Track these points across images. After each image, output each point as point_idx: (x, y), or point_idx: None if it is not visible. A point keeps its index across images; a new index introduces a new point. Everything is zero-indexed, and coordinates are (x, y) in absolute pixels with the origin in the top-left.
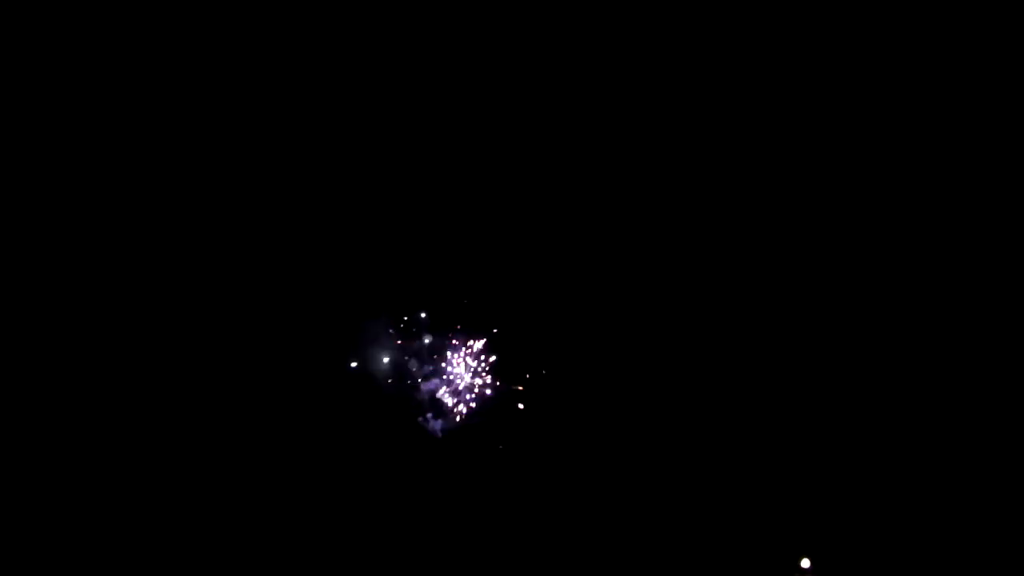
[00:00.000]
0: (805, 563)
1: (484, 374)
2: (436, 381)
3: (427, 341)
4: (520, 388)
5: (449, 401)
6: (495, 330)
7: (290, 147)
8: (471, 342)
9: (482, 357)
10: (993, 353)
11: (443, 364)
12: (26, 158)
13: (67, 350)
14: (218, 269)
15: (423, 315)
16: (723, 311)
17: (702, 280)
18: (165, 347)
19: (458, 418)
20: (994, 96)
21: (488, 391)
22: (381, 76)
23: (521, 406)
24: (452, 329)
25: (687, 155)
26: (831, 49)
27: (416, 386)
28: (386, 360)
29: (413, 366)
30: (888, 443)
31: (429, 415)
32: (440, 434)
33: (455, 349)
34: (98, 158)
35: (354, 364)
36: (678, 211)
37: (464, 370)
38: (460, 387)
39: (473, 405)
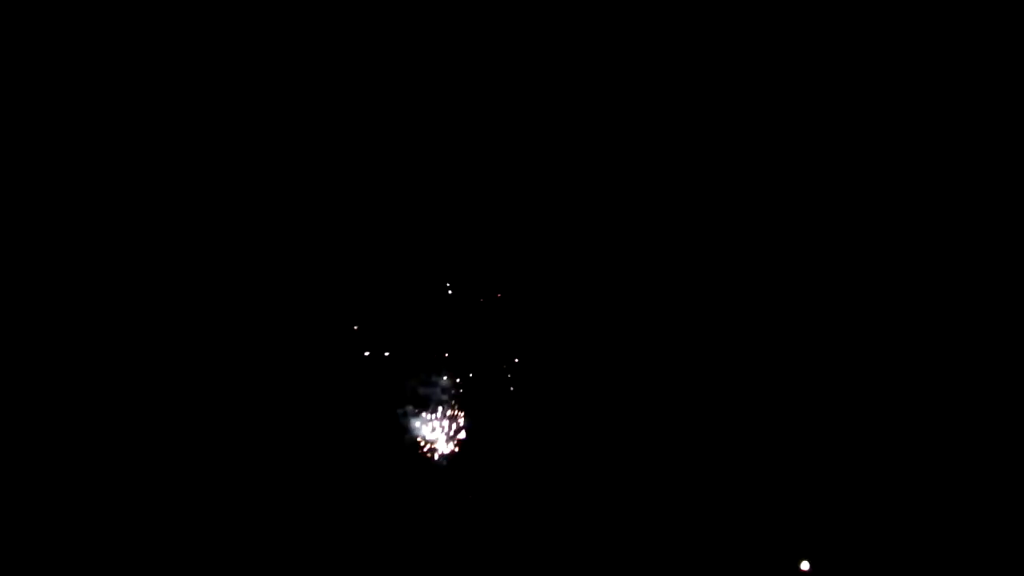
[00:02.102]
0: (805, 566)
1: (476, 374)
2: (427, 381)
3: (419, 344)
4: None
5: (440, 403)
6: (488, 330)
7: (285, 150)
8: (464, 342)
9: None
10: (993, 353)
11: (434, 366)
12: (26, 158)
13: (67, 349)
14: (213, 268)
15: (414, 317)
16: (721, 311)
17: (700, 280)
18: (161, 344)
19: (449, 419)
20: (994, 96)
21: (481, 392)
22: (378, 78)
23: (512, 405)
24: (444, 330)
25: (686, 155)
26: (831, 49)
27: (406, 389)
28: (377, 362)
29: (404, 369)
30: (888, 444)
31: (418, 415)
32: (430, 435)
33: (446, 350)
34: (98, 158)
35: (345, 364)
36: (675, 211)
37: (455, 370)
38: (450, 386)
39: (465, 406)
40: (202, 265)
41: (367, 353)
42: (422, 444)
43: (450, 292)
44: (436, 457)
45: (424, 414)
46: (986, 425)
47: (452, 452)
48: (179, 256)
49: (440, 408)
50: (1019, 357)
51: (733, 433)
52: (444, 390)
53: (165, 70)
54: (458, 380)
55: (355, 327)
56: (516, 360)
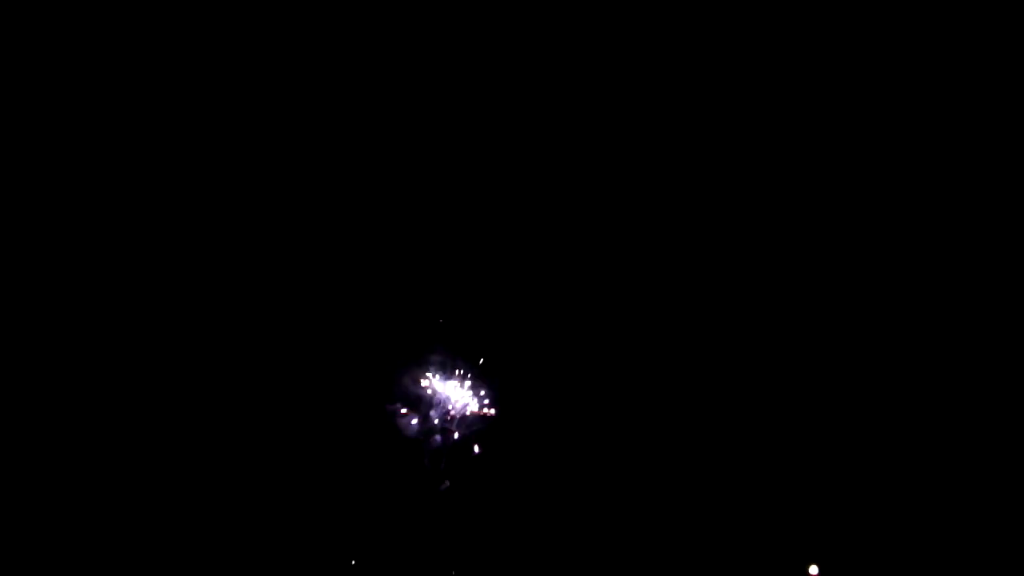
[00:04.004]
0: (813, 570)
1: (475, 389)
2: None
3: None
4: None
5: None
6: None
7: (285, 151)
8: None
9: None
10: (993, 354)
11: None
12: (26, 158)
13: (67, 351)
14: (214, 274)
15: (412, 328)
16: (725, 319)
17: (704, 288)
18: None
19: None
20: (994, 96)
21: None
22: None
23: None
24: (441, 343)
25: (686, 157)
26: (831, 49)
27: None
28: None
29: (404, 386)
30: (895, 447)
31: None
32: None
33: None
34: (98, 158)
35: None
36: (677, 218)
37: (454, 387)
38: (452, 404)
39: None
40: (202, 266)
41: (366, 354)
42: (419, 444)
43: (449, 293)
44: (434, 456)
45: (422, 414)
46: (986, 425)
47: (451, 452)
48: (178, 256)
49: (439, 407)
50: (1019, 357)
51: (734, 434)
52: (443, 389)
53: (165, 70)
54: (457, 379)
55: (354, 328)
56: (515, 361)
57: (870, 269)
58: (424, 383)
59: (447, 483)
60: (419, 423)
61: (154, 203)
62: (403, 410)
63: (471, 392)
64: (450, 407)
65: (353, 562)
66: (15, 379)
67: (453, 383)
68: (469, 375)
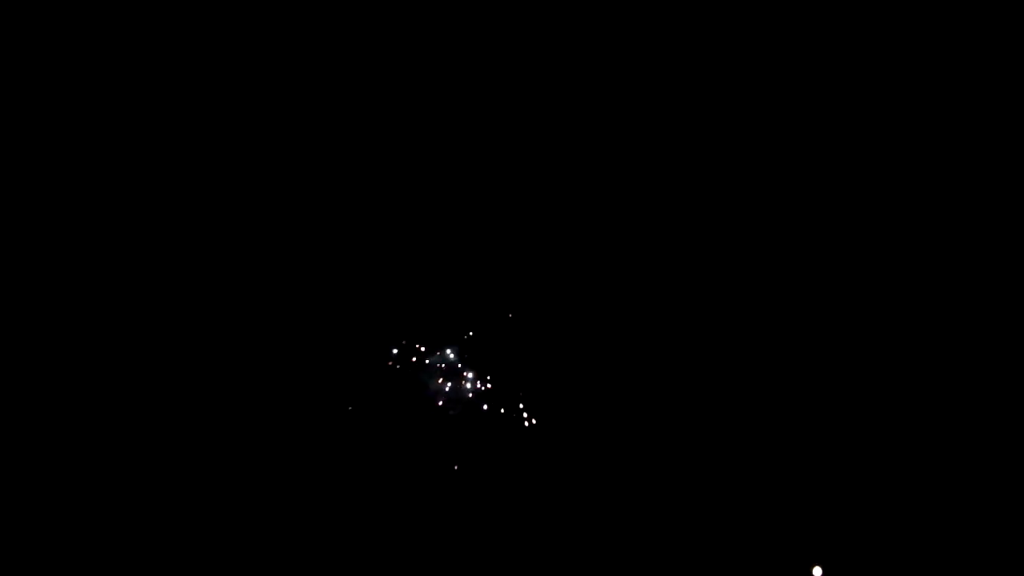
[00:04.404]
0: (817, 572)
1: (480, 379)
2: (432, 387)
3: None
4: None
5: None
6: (488, 334)
7: (287, 152)
8: (466, 348)
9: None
10: (993, 354)
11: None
12: (26, 158)
13: (67, 351)
14: (215, 270)
15: (417, 322)
16: (722, 312)
17: (706, 288)
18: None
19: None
20: (994, 96)
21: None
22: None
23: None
24: (446, 336)
25: (686, 157)
26: (832, 49)
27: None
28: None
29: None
30: (901, 449)
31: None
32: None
33: (449, 355)
34: (99, 158)
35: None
36: (678, 219)
37: (460, 376)
38: (457, 393)
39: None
40: (204, 267)
41: (367, 354)
42: (419, 445)
43: (450, 293)
44: (434, 458)
45: (422, 415)
46: (986, 425)
47: (451, 451)
48: (181, 258)
49: (438, 408)
50: (1019, 357)
51: (735, 434)
52: (444, 391)
53: (166, 71)
54: (458, 379)
55: (355, 329)
56: (517, 361)
57: (870, 269)
58: (424, 375)
59: (447, 480)
60: (420, 414)
61: (152, 202)
62: (404, 401)
63: (473, 384)
64: (451, 400)
65: (354, 561)
66: (15, 379)
67: (454, 375)
68: (469, 368)
